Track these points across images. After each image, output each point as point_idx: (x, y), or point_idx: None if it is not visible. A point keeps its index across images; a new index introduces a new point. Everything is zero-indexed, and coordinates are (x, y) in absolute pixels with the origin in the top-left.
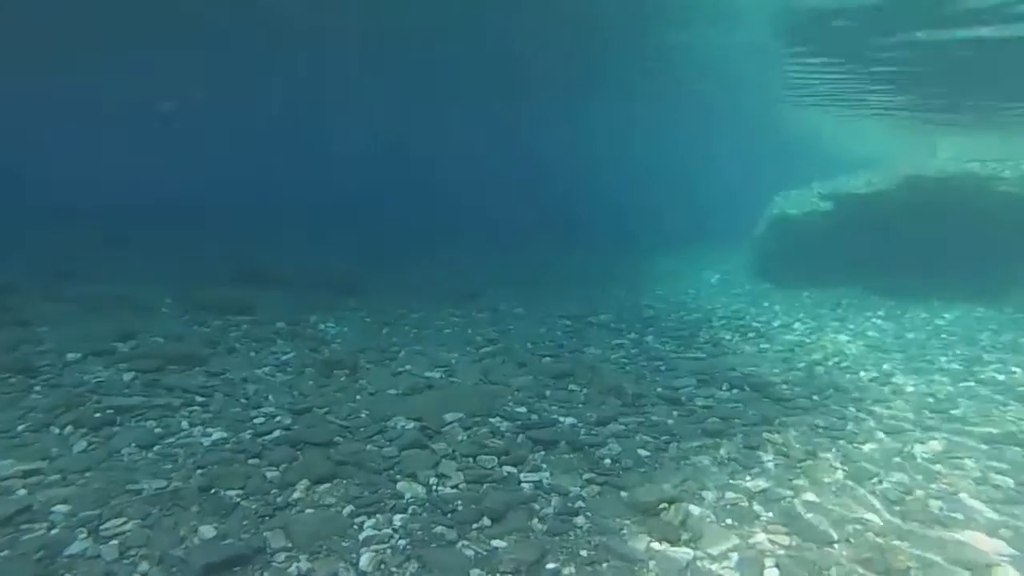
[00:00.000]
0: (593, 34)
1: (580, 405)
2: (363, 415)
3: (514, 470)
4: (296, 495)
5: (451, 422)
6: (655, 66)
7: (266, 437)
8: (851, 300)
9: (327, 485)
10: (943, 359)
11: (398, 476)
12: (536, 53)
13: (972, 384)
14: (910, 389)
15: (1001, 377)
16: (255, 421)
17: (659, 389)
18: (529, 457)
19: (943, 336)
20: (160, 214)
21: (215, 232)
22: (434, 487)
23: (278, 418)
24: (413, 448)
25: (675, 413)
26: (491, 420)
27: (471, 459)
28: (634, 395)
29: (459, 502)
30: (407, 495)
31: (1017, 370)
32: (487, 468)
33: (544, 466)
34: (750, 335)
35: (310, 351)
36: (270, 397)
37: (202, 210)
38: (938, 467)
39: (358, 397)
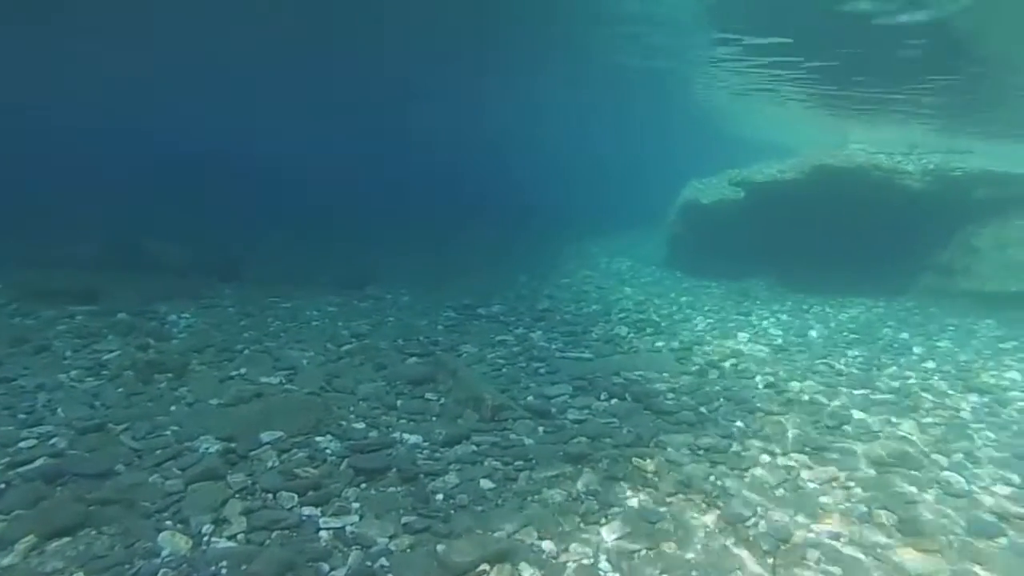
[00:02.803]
0: (500, 6)
1: (432, 419)
2: (167, 433)
3: (316, 512)
4: (8, 560)
5: (266, 443)
6: (568, 44)
7: (21, 468)
8: (758, 292)
9: (63, 541)
10: (842, 361)
11: (168, 522)
12: (436, 25)
13: (869, 393)
14: (805, 398)
15: (896, 384)
16: (20, 445)
17: (530, 398)
18: (344, 492)
19: (844, 334)
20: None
21: (88, 201)
22: (205, 538)
23: (53, 440)
24: (205, 480)
25: (540, 430)
26: (317, 440)
27: (270, 495)
28: (495, 407)
29: (225, 564)
30: (164, 552)
31: (911, 375)
32: (283, 509)
33: (357, 505)
34: (647, 331)
35: (138, 349)
36: (59, 411)
37: (76, 175)
38: (824, 499)
39: (172, 408)
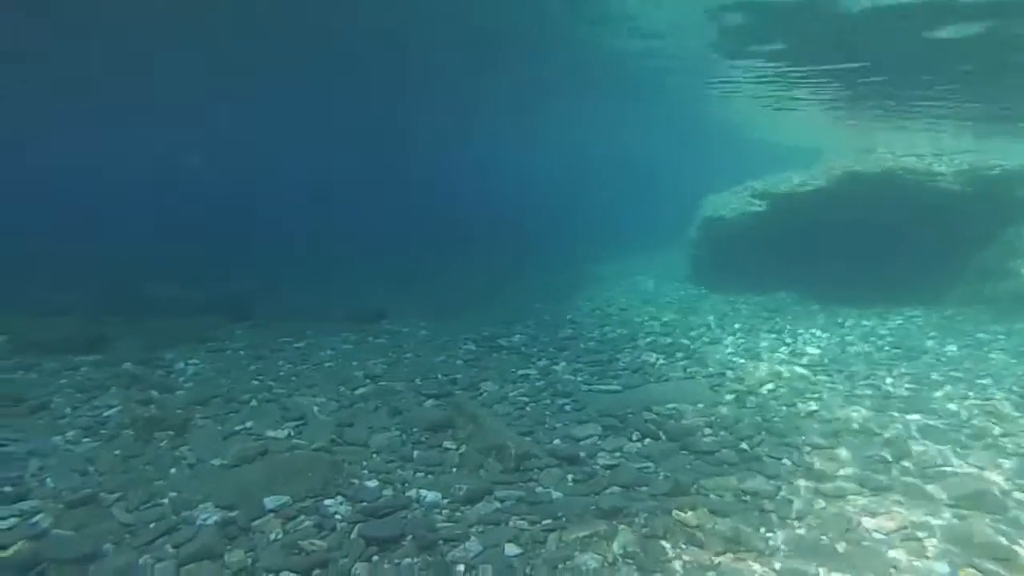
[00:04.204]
0: (511, 32)
1: (452, 470)
2: (164, 502)
3: None
4: None
5: (271, 510)
6: (585, 67)
7: None
8: (788, 307)
9: None
10: (889, 381)
11: None
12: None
13: (924, 418)
14: (855, 427)
15: (953, 406)
16: None
17: (556, 441)
18: (353, 570)
19: (886, 349)
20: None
21: (91, 248)
22: None
23: (37, 518)
24: (200, 559)
25: (569, 479)
26: (326, 503)
27: None
28: (519, 456)
29: None
30: None
31: (971, 395)
32: None
33: None
34: (678, 355)
35: (140, 404)
36: (49, 481)
37: (76, 221)
38: (894, 555)
39: (172, 471)
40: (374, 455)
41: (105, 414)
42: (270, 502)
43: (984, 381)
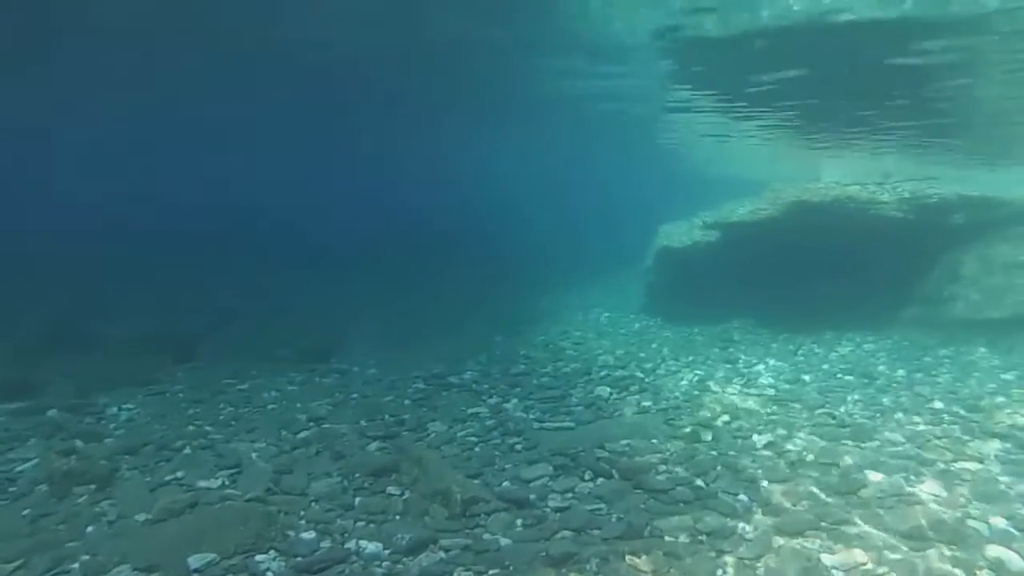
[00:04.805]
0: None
1: (395, 518)
2: (74, 567)
3: None
4: None
5: (195, 570)
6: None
7: None
8: (742, 336)
9: None
10: (843, 409)
11: None
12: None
13: (879, 446)
14: (811, 459)
15: (906, 433)
16: None
17: (506, 483)
18: None
19: (838, 376)
20: None
21: (31, 280)
22: None
23: None
24: None
25: (518, 523)
26: (257, 560)
27: None
28: (465, 501)
29: None
30: None
31: (919, 420)
32: None
33: None
34: (632, 388)
35: (60, 455)
36: None
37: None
38: None
39: (88, 530)
40: (313, 504)
41: (18, 469)
42: (195, 561)
43: (935, 405)
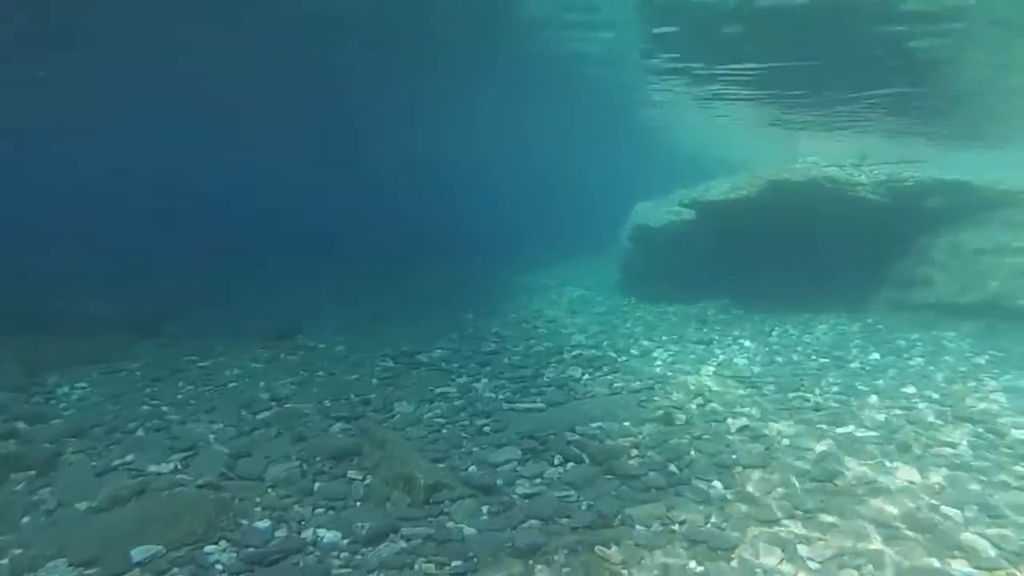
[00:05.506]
0: (436, 30)
1: (356, 505)
2: (3, 562)
3: None
4: None
5: (138, 563)
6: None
7: None
8: (717, 315)
9: None
10: (817, 392)
11: None
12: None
13: (853, 430)
14: (786, 443)
15: (880, 417)
16: None
17: (472, 468)
18: None
19: (813, 359)
20: None
21: None
22: None
23: None
24: None
25: (484, 511)
26: (207, 551)
27: None
28: (429, 487)
29: None
30: None
31: (893, 405)
32: None
33: None
34: (604, 369)
35: (0, 438)
36: None
37: None
38: None
39: (24, 520)
40: (269, 490)
41: None
42: (138, 553)
43: (907, 390)
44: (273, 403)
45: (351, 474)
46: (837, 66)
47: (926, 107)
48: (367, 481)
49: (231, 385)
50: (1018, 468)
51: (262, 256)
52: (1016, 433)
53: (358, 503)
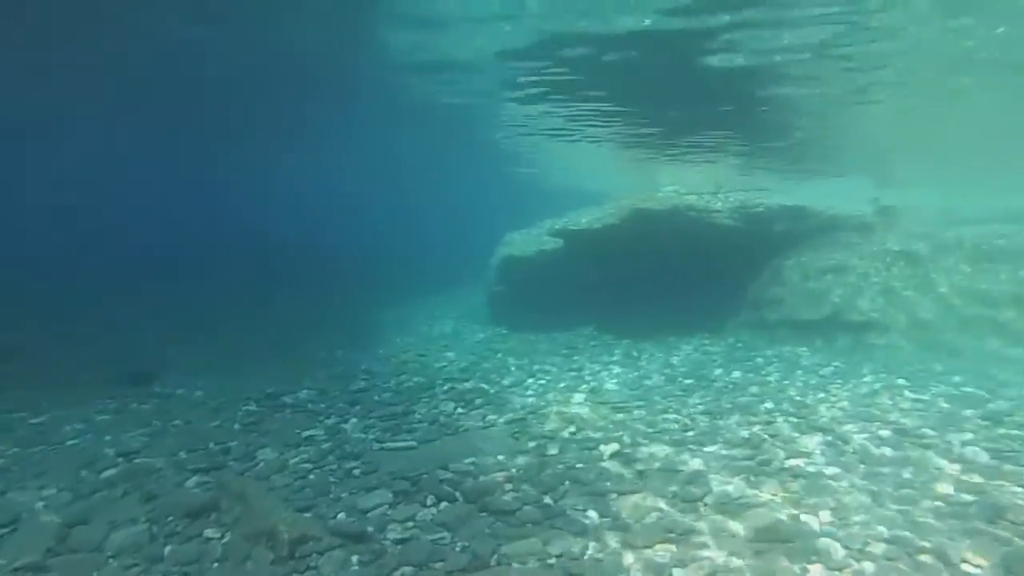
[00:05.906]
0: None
1: (213, 567)
2: None
3: None
4: None
5: None
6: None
7: None
8: (586, 343)
9: None
10: (685, 412)
11: None
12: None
13: (720, 448)
14: (657, 466)
15: (744, 434)
16: None
17: (341, 515)
18: None
19: (679, 380)
20: None
21: None
22: None
23: None
24: None
25: (354, 562)
26: None
27: None
28: (293, 540)
29: None
30: None
31: (755, 421)
32: None
33: None
34: (476, 401)
35: None
36: None
37: None
38: None
39: None
40: (110, 560)
41: None
42: None
43: (766, 405)
44: (120, 459)
45: (208, 532)
46: (679, 109)
47: (768, 146)
48: (225, 539)
49: (70, 443)
50: (861, 468)
51: (108, 283)
52: (857, 438)
53: (215, 564)
